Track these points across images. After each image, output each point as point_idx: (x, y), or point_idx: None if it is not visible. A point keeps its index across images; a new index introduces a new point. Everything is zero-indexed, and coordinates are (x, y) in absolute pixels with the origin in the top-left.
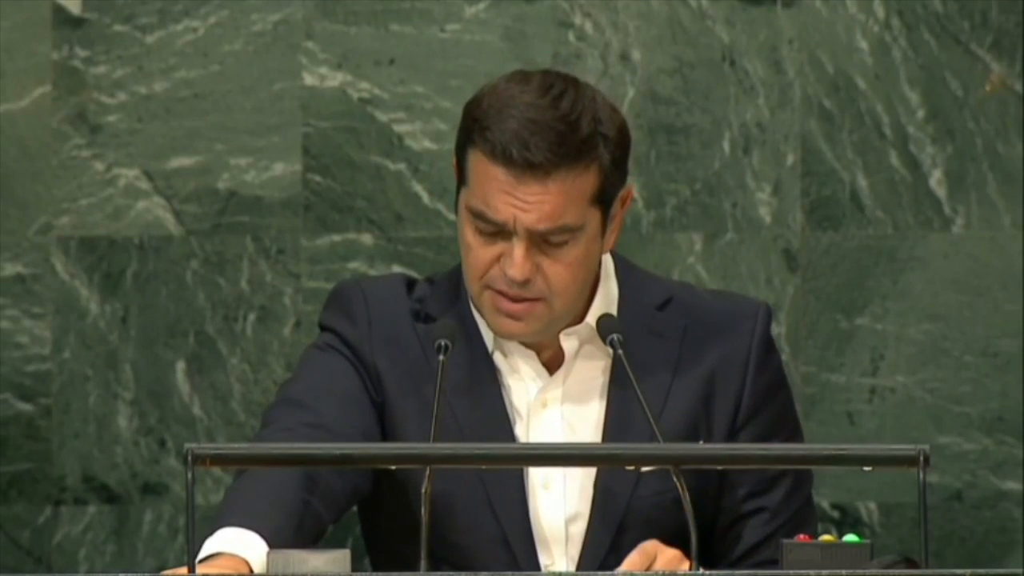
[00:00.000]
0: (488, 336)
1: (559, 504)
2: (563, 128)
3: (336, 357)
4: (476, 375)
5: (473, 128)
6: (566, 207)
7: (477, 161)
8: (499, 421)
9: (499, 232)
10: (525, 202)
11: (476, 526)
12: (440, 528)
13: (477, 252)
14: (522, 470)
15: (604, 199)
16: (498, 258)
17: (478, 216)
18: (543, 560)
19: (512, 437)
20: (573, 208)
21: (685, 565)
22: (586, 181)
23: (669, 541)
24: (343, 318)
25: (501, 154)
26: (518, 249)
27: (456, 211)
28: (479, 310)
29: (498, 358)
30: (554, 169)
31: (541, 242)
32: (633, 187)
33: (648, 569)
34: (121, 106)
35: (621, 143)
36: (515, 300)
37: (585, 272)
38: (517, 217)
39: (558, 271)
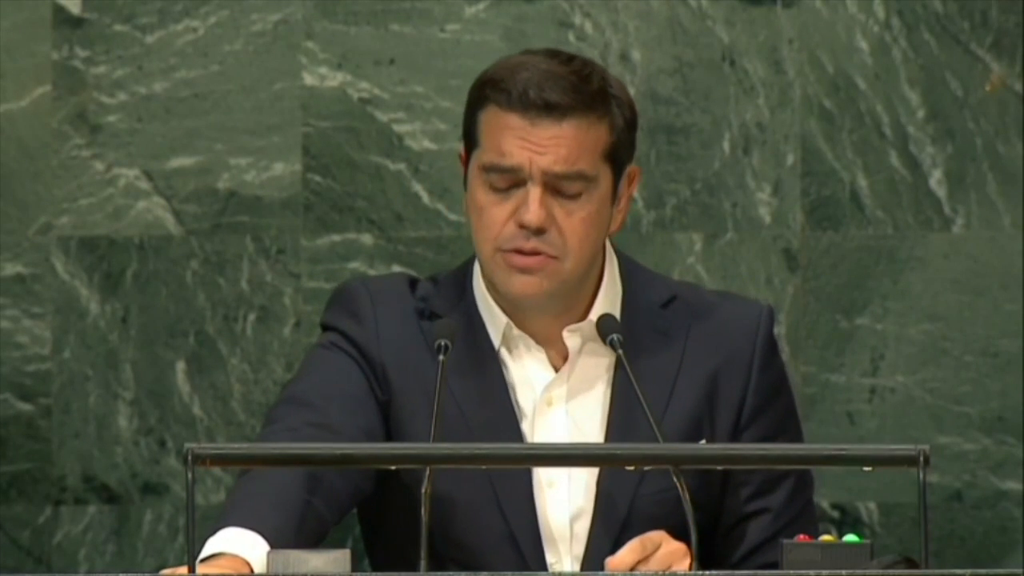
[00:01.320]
0: (494, 333)
1: (564, 502)
2: (576, 80)
3: (341, 357)
4: (482, 372)
5: (485, 88)
6: (581, 152)
7: (490, 116)
8: (506, 418)
9: (514, 184)
10: (540, 144)
11: (484, 525)
12: (447, 527)
13: (491, 211)
14: (528, 468)
15: (616, 159)
16: (513, 213)
17: (492, 168)
18: (549, 558)
19: (519, 434)
20: (587, 155)
21: (687, 561)
22: (599, 132)
23: (674, 538)
24: (349, 317)
25: (518, 99)
26: (533, 193)
27: (465, 186)
28: (491, 281)
29: (503, 355)
30: (570, 111)
31: (555, 191)
32: (640, 172)
33: (647, 559)
34: (121, 106)
35: (632, 110)
36: (529, 255)
37: (596, 234)
38: (532, 160)
39: (572, 226)
